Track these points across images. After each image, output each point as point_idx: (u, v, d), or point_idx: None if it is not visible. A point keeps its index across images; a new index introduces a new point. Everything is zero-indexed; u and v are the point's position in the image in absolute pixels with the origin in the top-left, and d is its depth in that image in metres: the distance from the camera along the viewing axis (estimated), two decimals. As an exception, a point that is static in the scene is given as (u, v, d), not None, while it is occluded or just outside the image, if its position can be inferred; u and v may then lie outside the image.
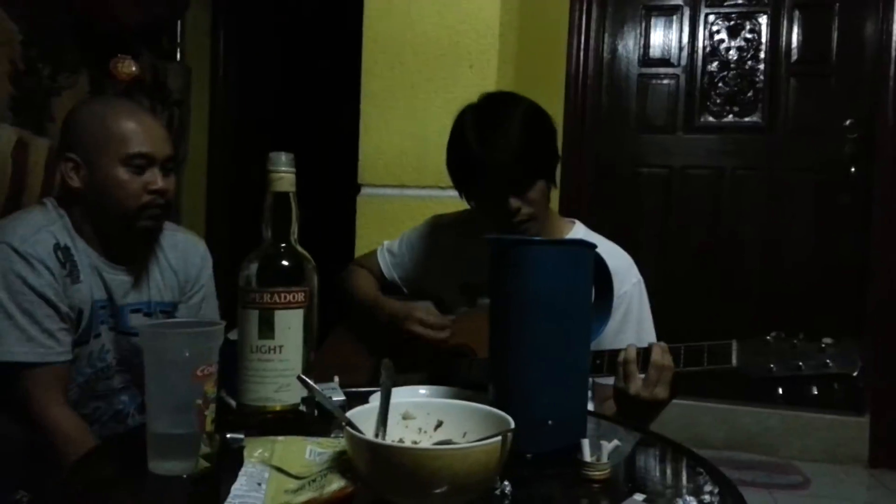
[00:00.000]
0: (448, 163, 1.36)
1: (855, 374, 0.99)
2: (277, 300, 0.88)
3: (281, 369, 0.87)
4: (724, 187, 2.93)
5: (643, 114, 3.01)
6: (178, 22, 2.98)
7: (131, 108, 1.32)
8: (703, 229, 2.94)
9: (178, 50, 3.01)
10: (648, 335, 1.30)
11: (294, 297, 0.89)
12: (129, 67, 2.44)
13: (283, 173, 0.91)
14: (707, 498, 0.72)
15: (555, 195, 1.43)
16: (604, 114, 3.02)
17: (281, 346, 0.87)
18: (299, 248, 0.92)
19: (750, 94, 2.91)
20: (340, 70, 2.46)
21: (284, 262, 0.91)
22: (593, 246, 0.95)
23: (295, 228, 0.92)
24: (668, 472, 0.91)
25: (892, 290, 2.67)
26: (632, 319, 1.32)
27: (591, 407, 1.31)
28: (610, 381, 1.27)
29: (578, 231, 1.42)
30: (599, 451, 0.79)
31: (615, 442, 0.80)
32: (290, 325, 0.88)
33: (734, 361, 1.05)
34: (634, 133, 3.02)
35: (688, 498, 0.71)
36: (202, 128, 3.18)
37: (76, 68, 2.28)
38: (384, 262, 1.55)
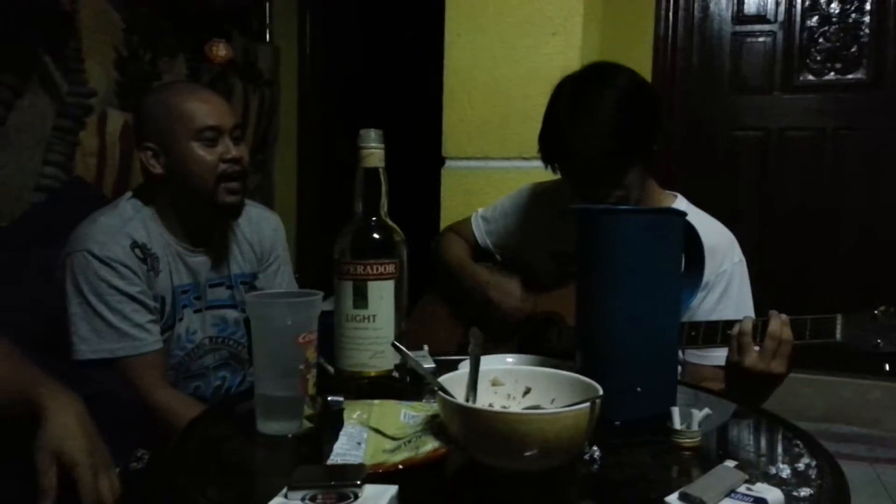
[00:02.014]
0: (540, 141, 1.31)
1: None
2: (370, 272, 0.91)
3: (375, 337, 0.91)
4: (826, 149, 2.77)
5: (738, 74, 2.88)
6: (267, 4, 3.07)
7: (191, 87, 1.41)
8: (803, 193, 2.79)
9: (268, 31, 3.10)
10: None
11: (385, 269, 0.92)
12: (222, 51, 2.54)
13: (373, 149, 0.94)
14: (801, 467, 0.71)
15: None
16: (695, 76, 2.91)
17: (374, 315, 0.91)
18: (389, 222, 0.96)
19: (854, 49, 2.73)
20: (424, 43, 2.47)
21: (376, 235, 0.94)
22: (682, 214, 0.93)
23: (385, 202, 0.96)
24: (763, 441, 0.90)
25: None
26: (731, 298, 1.28)
27: None
28: (704, 360, 1.25)
29: (679, 205, 1.36)
30: (690, 419, 0.79)
31: (706, 410, 0.79)
32: (383, 295, 0.92)
33: (839, 336, 1.02)
34: (729, 95, 2.90)
35: (781, 466, 0.70)
36: (292, 107, 3.28)
37: (174, 53, 2.40)
38: (478, 228, 1.57)
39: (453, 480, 0.75)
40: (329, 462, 0.71)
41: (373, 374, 0.92)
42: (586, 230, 0.91)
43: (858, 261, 2.72)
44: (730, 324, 1.08)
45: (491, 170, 2.01)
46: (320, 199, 3.32)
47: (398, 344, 0.84)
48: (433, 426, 0.78)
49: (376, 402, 0.86)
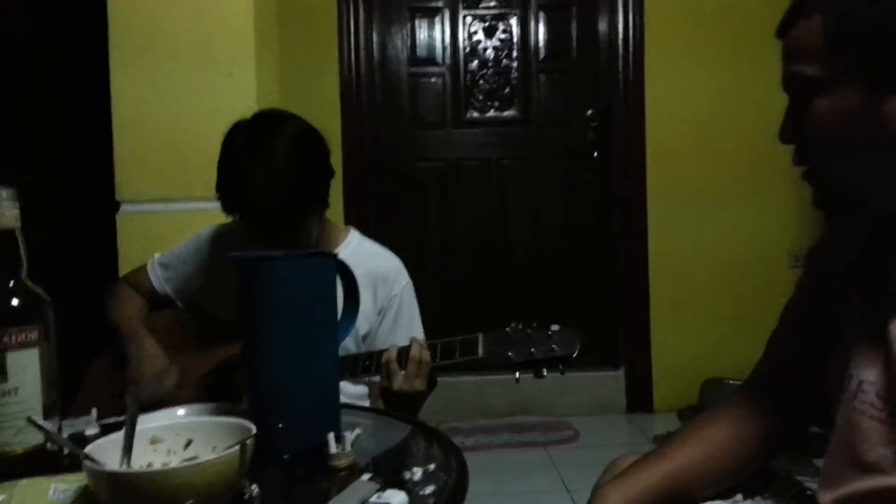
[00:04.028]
0: (217, 191, 1.30)
1: (574, 355, 1.13)
2: (8, 341, 0.85)
3: (19, 412, 0.85)
4: (492, 176, 3.18)
5: (416, 111, 3.16)
6: None
7: None
8: (476, 217, 3.17)
9: None
10: (418, 332, 1.38)
11: (27, 337, 0.87)
12: None
13: (5, 209, 0.88)
14: (432, 467, 0.83)
15: (339, 192, 1.39)
16: (380, 112, 3.13)
17: (16, 388, 0.85)
18: (30, 285, 0.90)
19: (507, 90, 3.18)
20: (89, 76, 2.31)
21: (13, 302, 0.88)
22: (333, 255, 1.02)
23: (24, 264, 0.90)
24: (406, 449, 1.01)
25: (633, 256, 3.08)
26: (403, 319, 1.42)
27: (368, 404, 1.40)
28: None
29: (353, 239, 1.46)
30: (343, 442, 0.87)
31: (357, 430, 0.88)
32: (25, 365, 0.86)
33: (480, 352, 1.16)
34: (410, 129, 3.17)
35: (414, 470, 0.81)
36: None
37: None
38: (155, 276, 1.51)
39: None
40: (-49, 560, 0.65)
41: (20, 451, 0.86)
42: (243, 277, 0.95)
43: (523, 272, 3.15)
44: (381, 353, 1.20)
45: (174, 213, 1.95)
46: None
47: (34, 418, 0.80)
48: (87, 497, 0.76)
49: (23, 480, 0.80)
